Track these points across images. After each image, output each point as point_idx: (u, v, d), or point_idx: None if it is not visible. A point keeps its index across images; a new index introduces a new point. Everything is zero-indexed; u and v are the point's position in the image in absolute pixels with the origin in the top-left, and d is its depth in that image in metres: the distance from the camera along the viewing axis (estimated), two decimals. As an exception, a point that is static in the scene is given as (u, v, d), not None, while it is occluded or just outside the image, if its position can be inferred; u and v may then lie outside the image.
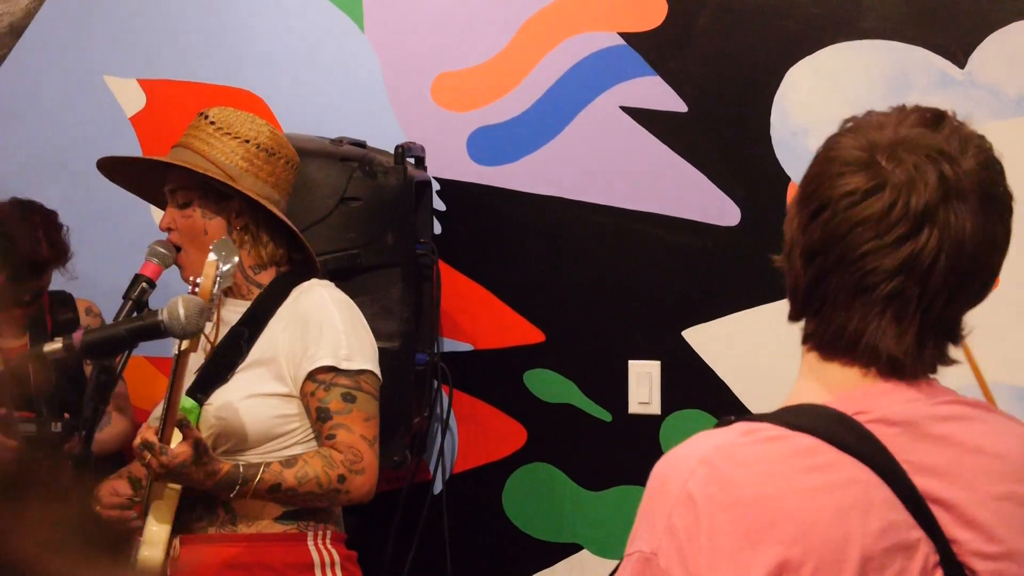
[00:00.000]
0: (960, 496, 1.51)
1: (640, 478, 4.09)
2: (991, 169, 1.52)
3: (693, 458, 1.52)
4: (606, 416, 3.89)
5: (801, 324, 1.61)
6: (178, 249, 2.94)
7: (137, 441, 2.70)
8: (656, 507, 1.53)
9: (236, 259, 2.69)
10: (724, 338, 3.82)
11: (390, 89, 3.94)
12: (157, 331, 2.58)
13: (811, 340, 1.58)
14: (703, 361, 3.83)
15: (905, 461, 1.50)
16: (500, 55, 3.89)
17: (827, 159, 1.54)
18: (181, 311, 2.62)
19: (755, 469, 1.50)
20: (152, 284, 3.04)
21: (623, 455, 3.88)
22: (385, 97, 3.94)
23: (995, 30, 3.63)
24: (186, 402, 2.79)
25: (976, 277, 1.52)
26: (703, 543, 1.47)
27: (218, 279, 2.62)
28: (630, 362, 3.87)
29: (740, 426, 1.54)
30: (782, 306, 4.09)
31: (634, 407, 3.86)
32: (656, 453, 4.29)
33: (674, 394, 3.85)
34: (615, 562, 3.88)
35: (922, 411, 1.53)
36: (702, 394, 3.83)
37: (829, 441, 1.49)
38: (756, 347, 3.79)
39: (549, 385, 3.91)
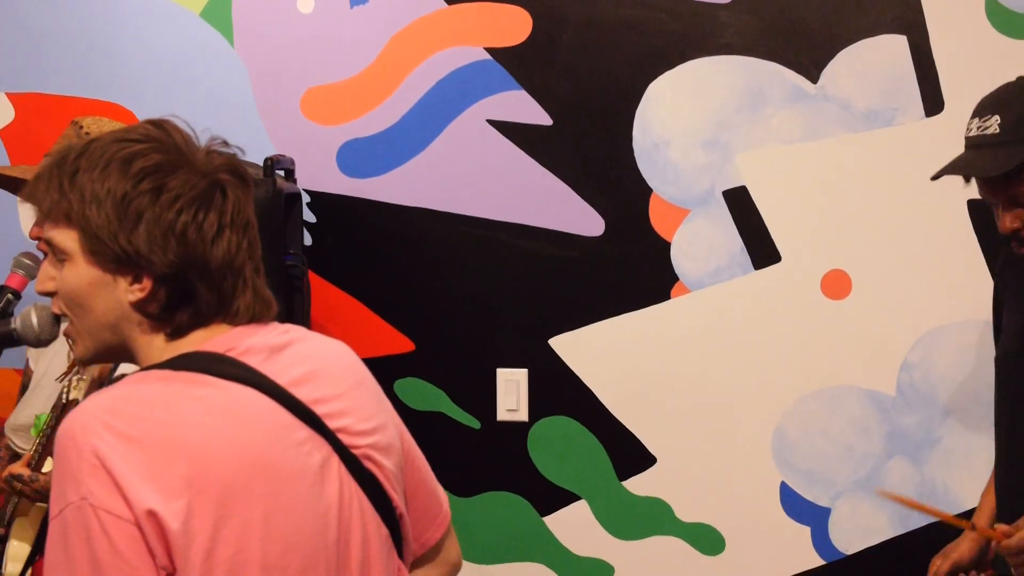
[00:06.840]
0: (328, 393, 1.87)
1: (509, 484, 4.11)
2: (229, 158, 1.93)
3: (98, 409, 1.72)
4: (475, 424, 3.94)
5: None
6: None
7: (5, 474, 2.71)
8: (72, 463, 1.68)
9: None
10: (589, 346, 3.89)
11: (260, 102, 3.96)
12: (10, 339, 2.53)
13: (181, 328, 1.84)
14: (569, 369, 3.90)
15: (276, 377, 1.82)
16: (368, 69, 3.92)
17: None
18: (34, 319, 2.58)
19: (153, 405, 1.73)
20: (17, 295, 3.02)
21: (492, 462, 3.94)
22: (255, 110, 3.95)
23: (844, 47, 3.76)
24: (40, 417, 2.78)
25: (248, 232, 1.90)
26: (123, 474, 1.66)
27: None
28: (498, 370, 3.92)
29: (131, 376, 1.79)
30: (646, 314, 4.12)
31: (502, 414, 3.92)
32: (524, 459, 4.32)
33: (541, 401, 3.91)
34: (486, 567, 3.93)
35: (277, 340, 1.88)
36: (568, 401, 3.90)
37: (209, 373, 1.78)
38: (620, 354, 3.87)
39: (419, 394, 3.95)
